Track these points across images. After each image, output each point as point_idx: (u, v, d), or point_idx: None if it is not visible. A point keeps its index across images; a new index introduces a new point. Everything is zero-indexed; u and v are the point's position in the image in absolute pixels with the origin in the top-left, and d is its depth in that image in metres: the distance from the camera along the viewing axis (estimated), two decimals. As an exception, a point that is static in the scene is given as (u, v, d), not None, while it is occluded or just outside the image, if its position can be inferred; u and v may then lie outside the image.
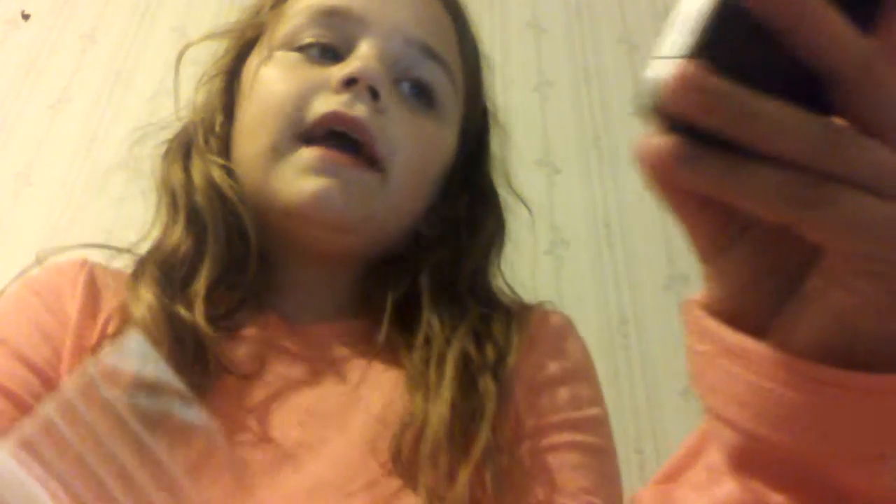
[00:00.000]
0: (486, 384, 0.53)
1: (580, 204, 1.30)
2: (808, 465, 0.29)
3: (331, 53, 0.58)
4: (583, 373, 0.60)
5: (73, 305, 0.55)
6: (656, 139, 0.25)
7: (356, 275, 0.63)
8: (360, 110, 0.55)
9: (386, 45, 0.58)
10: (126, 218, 1.21)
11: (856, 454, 0.28)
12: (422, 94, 0.61)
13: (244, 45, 0.64)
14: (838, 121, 0.26)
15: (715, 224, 0.29)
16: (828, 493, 0.29)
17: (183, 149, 0.62)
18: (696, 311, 0.31)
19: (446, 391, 0.52)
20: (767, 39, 0.24)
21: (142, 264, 0.57)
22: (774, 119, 0.24)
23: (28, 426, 0.26)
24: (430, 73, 0.61)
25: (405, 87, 0.60)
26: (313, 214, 0.55)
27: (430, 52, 0.61)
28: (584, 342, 0.63)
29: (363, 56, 0.57)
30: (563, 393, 0.57)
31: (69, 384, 0.28)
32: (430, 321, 0.57)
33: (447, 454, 0.49)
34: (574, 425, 0.55)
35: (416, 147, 0.60)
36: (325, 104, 0.55)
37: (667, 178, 0.26)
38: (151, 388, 0.29)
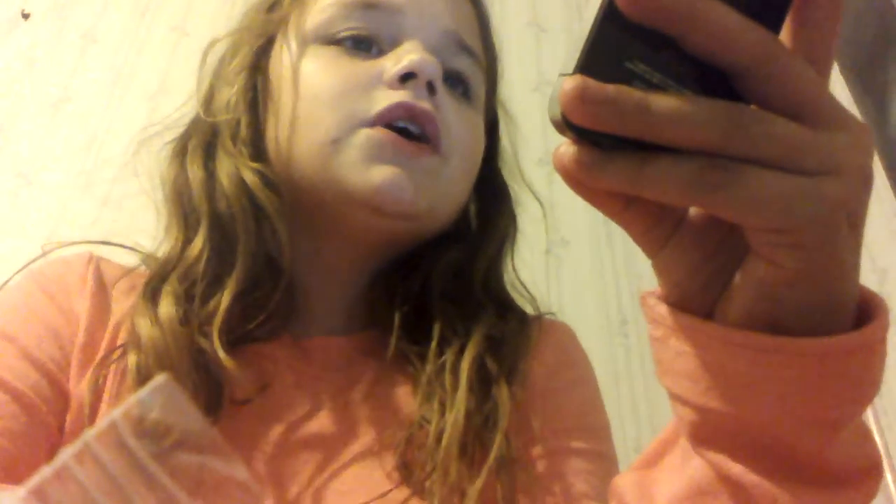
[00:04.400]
0: (500, 392, 0.53)
1: (580, 203, 1.29)
2: (761, 434, 0.30)
3: (364, 45, 0.57)
4: (586, 382, 0.61)
5: (82, 304, 0.54)
6: (563, 149, 0.27)
7: (371, 280, 0.62)
8: (426, 104, 0.55)
9: (427, 38, 0.58)
10: (126, 218, 1.21)
11: (804, 421, 0.29)
12: (457, 86, 0.60)
13: (265, 40, 0.62)
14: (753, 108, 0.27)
15: (647, 220, 0.30)
16: (784, 461, 0.30)
17: (203, 149, 0.59)
18: (649, 299, 0.33)
19: (461, 400, 0.51)
20: (666, 42, 0.26)
21: (160, 277, 0.54)
22: (666, 112, 0.25)
23: (43, 472, 0.26)
24: (465, 66, 0.60)
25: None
26: (384, 204, 0.54)
27: (463, 45, 0.60)
28: (585, 352, 0.63)
29: (415, 50, 0.55)
30: (568, 401, 0.57)
31: (91, 430, 0.27)
32: (443, 328, 0.56)
33: (458, 463, 0.48)
34: (578, 432, 0.55)
35: (469, 139, 0.60)
36: (386, 98, 0.54)
37: (580, 183, 0.28)
38: (184, 438, 0.28)
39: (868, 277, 1.09)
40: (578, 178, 0.27)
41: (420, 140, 0.55)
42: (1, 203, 1.28)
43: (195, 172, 0.58)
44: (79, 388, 0.50)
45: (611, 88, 0.25)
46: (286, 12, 0.61)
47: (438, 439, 0.49)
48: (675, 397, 0.32)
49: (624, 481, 0.39)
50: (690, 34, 0.25)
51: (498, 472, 0.49)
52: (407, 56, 0.55)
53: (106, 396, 0.50)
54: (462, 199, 0.62)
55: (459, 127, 0.58)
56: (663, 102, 0.25)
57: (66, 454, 0.25)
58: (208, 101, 0.63)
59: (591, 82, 0.25)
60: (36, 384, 0.49)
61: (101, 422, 0.26)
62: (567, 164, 0.27)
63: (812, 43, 0.27)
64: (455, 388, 0.52)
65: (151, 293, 0.53)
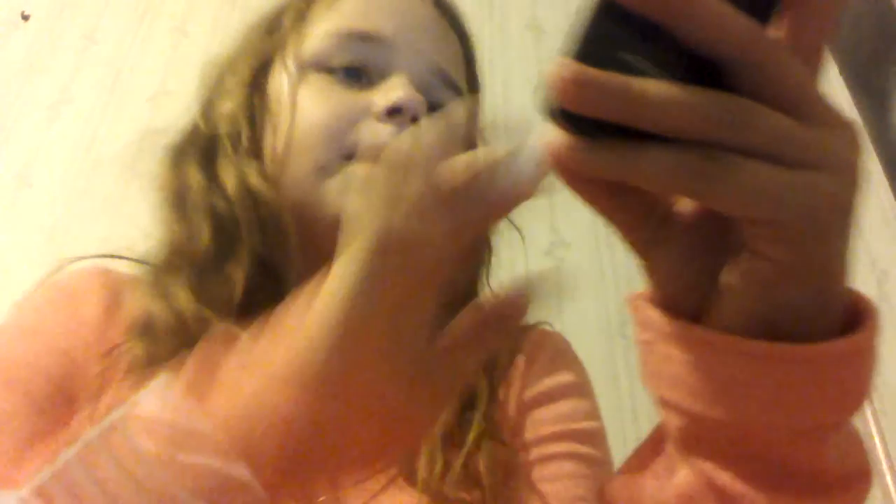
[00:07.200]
0: (477, 380, 0.55)
1: (580, 204, 1.29)
2: (750, 440, 0.30)
3: (355, 75, 0.60)
4: (580, 388, 0.62)
5: (94, 313, 0.56)
6: (553, 136, 0.26)
7: None
8: None
9: (414, 72, 0.60)
10: (125, 219, 1.21)
11: (792, 428, 0.29)
12: None
13: (263, 59, 0.64)
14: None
15: (635, 217, 0.30)
16: (773, 468, 0.30)
17: (202, 156, 0.62)
18: (637, 301, 0.32)
19: None
20: (658, 33, 0.25)
21: (168, 268, 0.56)
22: (661, 99, 0.25)
23: (44, 473, 0.26)
24: (448, 100, 0.62)
25: None
26: None
27: (449, 81, 0.62)
28: (581, 361, 0.65)
29: (402, 85, 0.58)
30: (562, 406, 0.58)
31: (91, 430, 0.27)
32: None
33: (443, 448, 0.50)
34: (572, 436, 0.56)
35: None
36: (372, 133, 0.56)
37: (569, 172, 0.27)
38: (184, 438, 0.28)
39: (868, 278, 1.09)
40: (570, 166, 0.27)
41: None
42: (0, 203, 1.28)
43: (196, 177, 0.60)
44: (87, 387, 0.51)
45: (604, 73, 0.25)
46: (285, 36, 0.63)
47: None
48: (662, 402, 0.32)
49: (614, 487, 0.40)
50: (684, 24, 0.25)
51: (479, 445, 0.51)
52: (394, 92, 0.57)
53: (111, 392, 0.51)
54: None
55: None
56: (657, 88, 0.25)
57: (66, 455, 0.25)
58: (206, 111, 0.65)
59: (585, 67, 0.25)
60: (46, 386, 0.50)
61: (102, 422, 0.26)
62: (559, 152, 0.26)
63: (804, 40, 0.27)
64: None
65: (162, 284, 0.55)
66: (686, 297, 0.31)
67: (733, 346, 0.28)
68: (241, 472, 0.28)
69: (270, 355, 0.30)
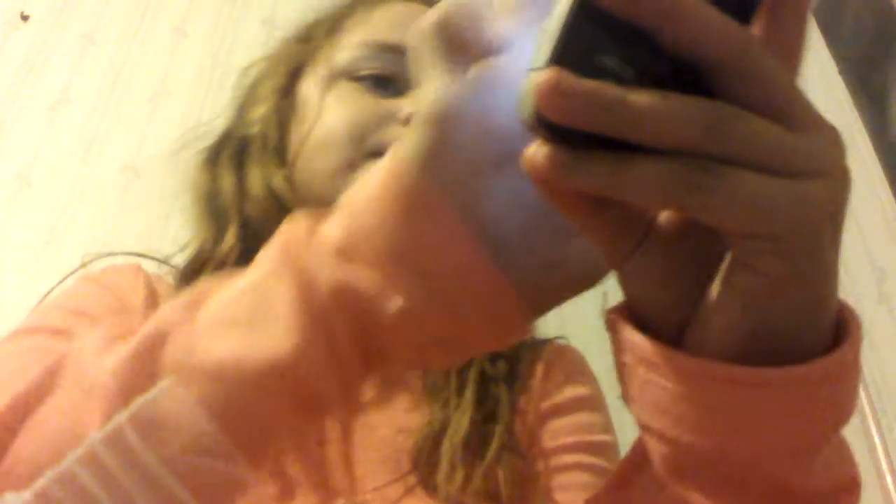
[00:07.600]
0: (500, 392, 0.56)
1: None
2: (739, 467, 0.29)
3: (382, 84, 0.62)
4: (594, 402, 0.63)
5: (137, 302, 0.57)
6: (535, 148, 0.25)
7: None
8: None
9: None
10: (126, 218, 1.21)
11: (783, 451, 0.28)
12: None
13: (296, 66, 0.68)
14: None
15: (615, 227, 0.29)
16: (760, 491, 0.29)
17: (234, 158, 0.65)
18: (617, 322, 0.31)
19: (467, 403, 0.54)
20: (641, 37, 0.24)
21: (194, 270, 0.58)
22: (647, 108, 0.23)
23: (48, 476, 0.25)
24: None
25: None
26: None
27: None
28: (594, 375, 0.66)
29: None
30: (577, 418, 0.60)
31: (96, 434, 0.27)
32: None
33: (464, 458, 0.51)
34: (586, 448, 0.58)
35: None
36: (398, 135, 0.58)
37: (553, 185, 0.26)
38: (189, 441, 0.28)
39: (867, 277, 1.09)
40: (552, 179, 0.25)
41: None
42: (0, 203, 1.28)
43: (227, 178, 0.63)
44: None
45: (587, 82, 0.23)
46: (318, 45, 0.67)
47: (445, 438, 0.52)
48: (645, 428, 0.30)
49: (600, 502, 0.40)
50: (667, 26, 0.24)
51: (499, 461, 0.52)
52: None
53: None
54: None
55: None
56: (643, 98, 0.23)
57: (70, 457, 0.25)
58: (241, 116, 0.68)
59: (567, 75, 0.23)
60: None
61: (107, 425, 0.26)
62: (540, 165, 0.25)
63: (781, 42, 0.27)
64: (461, 392, 0.55)
65: (187, 282, 0.57)
66: (667, 314, 0.29)
67: (719, 374, 0.27)
68: (245, 473, 0.28)
69: (354, 200, 0.32)
